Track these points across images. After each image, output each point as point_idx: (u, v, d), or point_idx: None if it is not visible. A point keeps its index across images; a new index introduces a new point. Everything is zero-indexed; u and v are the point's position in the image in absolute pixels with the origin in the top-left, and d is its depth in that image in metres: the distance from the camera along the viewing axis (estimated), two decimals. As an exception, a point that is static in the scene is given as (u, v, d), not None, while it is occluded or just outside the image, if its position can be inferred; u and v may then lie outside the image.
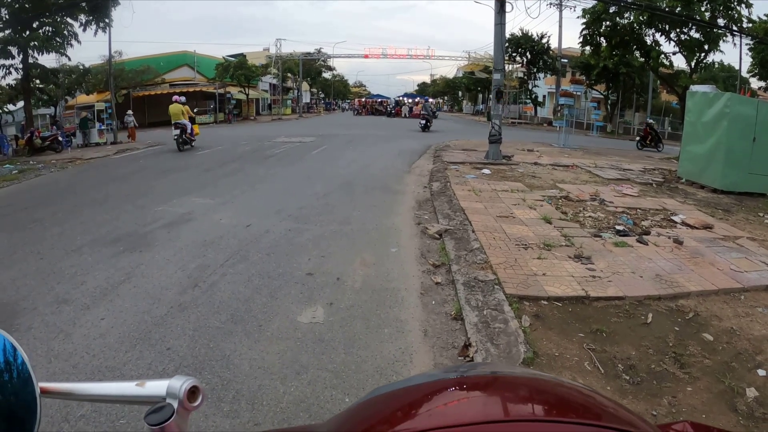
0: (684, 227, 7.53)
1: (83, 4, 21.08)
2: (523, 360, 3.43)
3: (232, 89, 45.23)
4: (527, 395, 0.94)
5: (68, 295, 4.83)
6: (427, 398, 0.94)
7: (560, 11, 35.04)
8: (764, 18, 22.60)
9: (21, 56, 21.16)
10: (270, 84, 58.68)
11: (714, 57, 27.11)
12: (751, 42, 23.43)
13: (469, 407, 0.91)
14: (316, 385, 3.31)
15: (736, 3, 23.01)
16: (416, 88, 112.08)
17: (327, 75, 76.56)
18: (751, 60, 25.20)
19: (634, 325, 4.12)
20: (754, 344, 3.88)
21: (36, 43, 20.83)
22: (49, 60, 25.00)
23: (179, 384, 0.72)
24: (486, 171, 12.32)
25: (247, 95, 47.61)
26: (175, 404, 0.72)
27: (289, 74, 60.21)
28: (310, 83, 70.52)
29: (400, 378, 3.34)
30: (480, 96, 68.10)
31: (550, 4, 34.74)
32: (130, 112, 26.77)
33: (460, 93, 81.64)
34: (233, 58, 46.91)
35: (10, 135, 22.89)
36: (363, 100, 73.52)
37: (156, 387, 0.74)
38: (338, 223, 7.47)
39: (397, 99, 63.38)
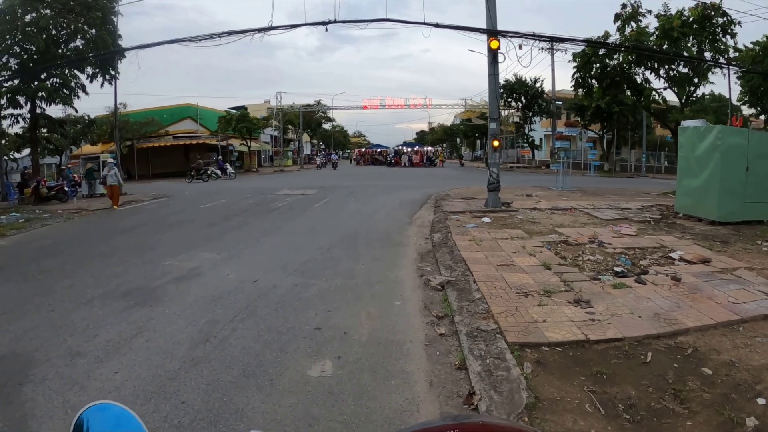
0: (682, 263, 7.64)
1: (90, 56, 21.86)
2: (525, 405, 3.53)
3: (234, 141, 46.23)
4: None
5: (81, 347, 4.96)
6: None
7: (552, 56, 36.03)
8: (750, 46, 23.13)
9: (29, 106, 21.85)
10: (271, 136, 59.74)
11: (704, 89, 27.65)
12: (739, 71, 23.91)
13: None
14: (328, 436, 3.43)
15: (720, 35, 23.64)
16: (415, 136, 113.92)
17: (327, 126, 77.83)
18: (741, 88, 25.62)
19: (634, 365, 4.21)
20: (753, 374, 3.95)
21: (43, 93, 21.52)
22: (55, 110, 25.64)
23: None
24: (486, 219, 12.48)
25: (249, 147, 48.51)
26: None
27: (289, 126, 61.38)
28: (310, 134, 71.67)
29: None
30: (478, 142, 69.14)
31: (542, 48, 35.71)
32: (110, 160, 20.72)
33: (458, 140, 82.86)
34: (235, 111, 48.10)
35: (15, 182, 23.23)
36: (363, 150, 74.61)
37: None
38: (343, 277, 7.61)
39: (396, 148, 64.26)
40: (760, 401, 3.55)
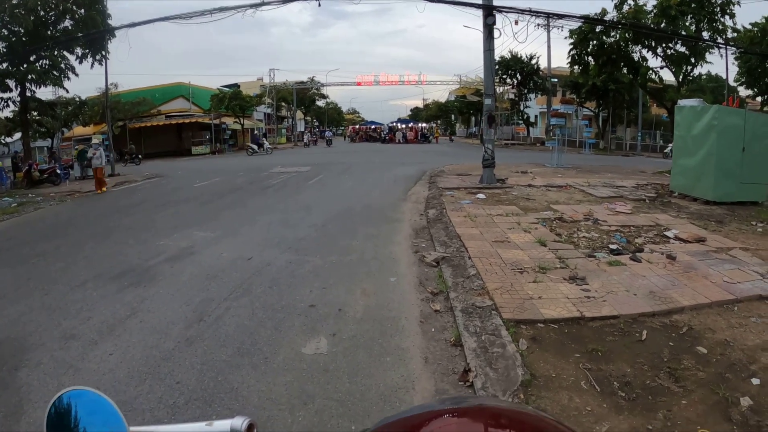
0: (677, 242, 7.65)
1: (80, 35, 21.47)
2: (521, 382, 3.53)
3: (227, 119, 45.79)
4: (506, 424, 1.10)
5: (75, 330, 4.93)
6: (426, 426, 1.08)
7: (548, 33, 35.61)
8: (749, 27, 22.99)
9: (18, 89, 21.46)
10: (264, 113, 59.13)
11: (701, 69, 27.57)
12: (737, 52, 23.82)
13: None
14: (323, 414, 3.41)
15: (719, 14, 23.48)
16: (409, 113, 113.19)
17: (321, 103, 77.15)
18: (738, 69, 25.53)
19: (629, 343, 4.22)
20: (747, 354, 3.97)
21: (33, 76, 21.08)
22: (46, 93, 25.23)
23: (240, 422, 0.90)
24: (481, 196, 12.43)
25: (242, 125, 48.06)
26: None
27: (283, 103, 60.77)
28: (304, 112, 71.09)
29: (404, 405, 3.46)
30: (473, 119, 68.83)
31: (538, 25, 35.33)
32: (95, 141, 19.49)
33: (453, 116, 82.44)
34: (228, 89, 47.44)
35: (7, 166, 22.98)
36: (357, 127, 74.27)
37: (221, 425, 0.91)
38: (338, 254, 7.58)
39: (391, 125, 63.94)
40: (755, 381, 3.57)
